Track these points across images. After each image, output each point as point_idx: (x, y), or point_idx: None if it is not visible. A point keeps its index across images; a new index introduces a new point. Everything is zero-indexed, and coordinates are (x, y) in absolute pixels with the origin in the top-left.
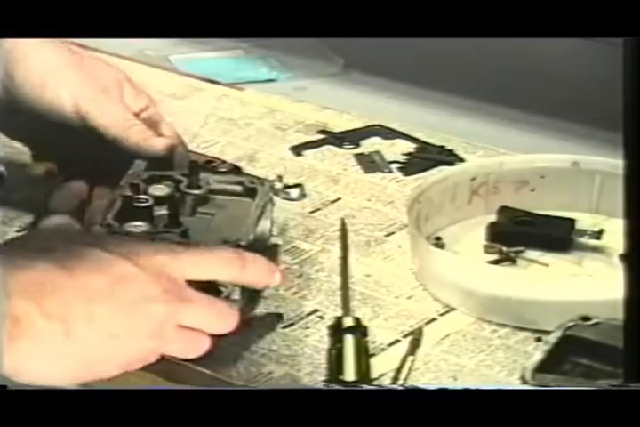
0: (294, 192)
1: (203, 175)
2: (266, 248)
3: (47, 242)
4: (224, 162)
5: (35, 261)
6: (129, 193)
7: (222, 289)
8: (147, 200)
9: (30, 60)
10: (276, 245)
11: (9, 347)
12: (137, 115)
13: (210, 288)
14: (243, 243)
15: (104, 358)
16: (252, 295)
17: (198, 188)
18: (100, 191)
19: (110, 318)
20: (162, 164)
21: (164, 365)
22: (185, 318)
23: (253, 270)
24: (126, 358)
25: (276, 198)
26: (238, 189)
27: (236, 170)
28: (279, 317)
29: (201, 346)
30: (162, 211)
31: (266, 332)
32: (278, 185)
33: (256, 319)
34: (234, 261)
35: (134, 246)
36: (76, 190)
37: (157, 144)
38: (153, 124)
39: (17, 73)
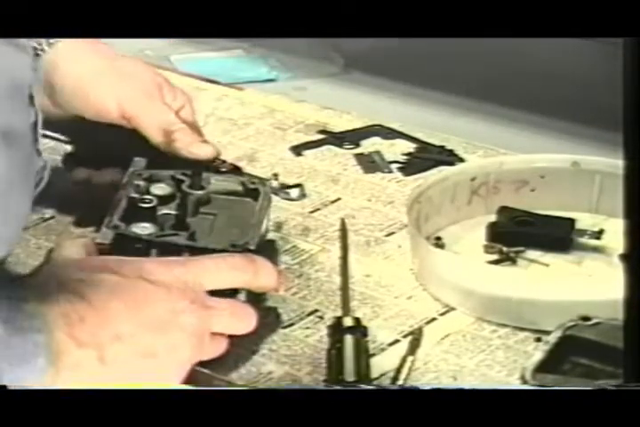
0: (294, 192)
1: (204, 175)
2: (265, 246)
3: (60, 274)
4: (224, 162)
5: (54, 294)
6: (133, 193)
7: (227, 292)
8: (151, 201)
9: (67, 66)
10: (271, 242)
11: (54, 381)
12: (177, 114)
13: (216, 291)
14: (251, 247)
15: (146, 378)
16: (256, 297)
17: (201, 188)
18: None
19: (142, 338)
20: (161, 160)
21: None
22: (215, 325)
23: (265, 275)
24: (171, 374)
25: (275, 198)
26: (239, 189)
27: (236, 170)
28: (278, 316)
29: (222, 347)
30: (164, 210)
31: (267, 332)
32: (274, 183)
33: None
34: (247, 267)
35: (146, 265)
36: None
37: (204, 151)
38: (191, 125)
39: (55, 80)
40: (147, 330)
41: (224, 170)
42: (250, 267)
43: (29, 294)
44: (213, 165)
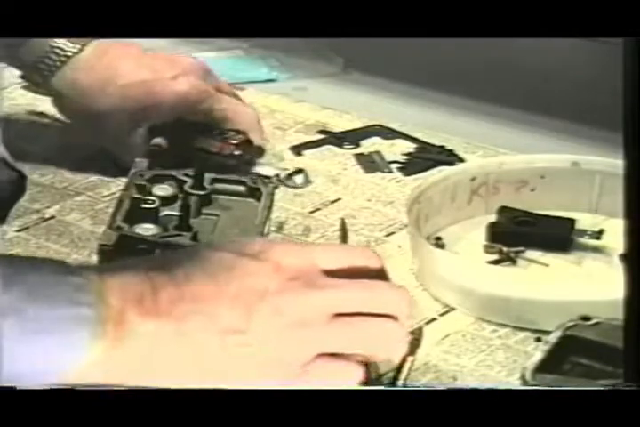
0: (298, 178)
1: (206, 176)
2: None
3: (190, 255)
4: (238, 132)
5: (190, 275)
6: (135, 194)
7: None
8: (153, 202)
9: (113, 57)
10: None
11: (111, 355)
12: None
13: None
14: None
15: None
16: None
17: (203, 189)
18: None
19: (225, 314)
20: (163, 162)
21: None
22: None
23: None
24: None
25: (276, 198)
26: (241, 189)
27: (247, 143)
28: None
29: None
30: (166, 211)
31: None
32: (282, 174)
33: None
34: (372, 257)
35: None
36: None
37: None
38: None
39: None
40: (232, 307)
41: (235, 142)
42: (374, 258)
43: (81, 267)
44: (227, 136)
